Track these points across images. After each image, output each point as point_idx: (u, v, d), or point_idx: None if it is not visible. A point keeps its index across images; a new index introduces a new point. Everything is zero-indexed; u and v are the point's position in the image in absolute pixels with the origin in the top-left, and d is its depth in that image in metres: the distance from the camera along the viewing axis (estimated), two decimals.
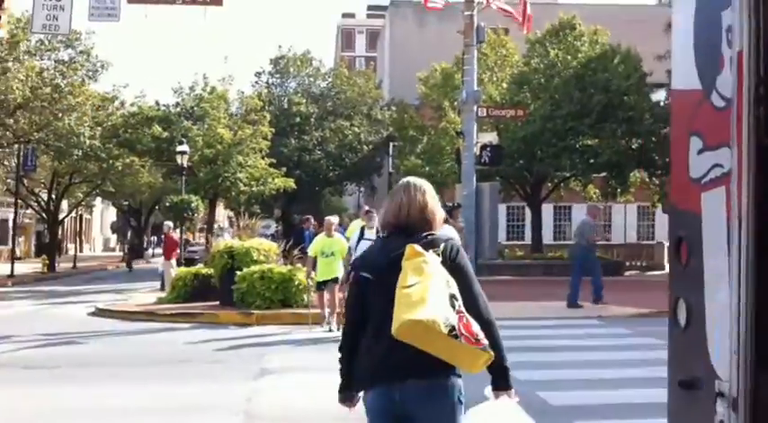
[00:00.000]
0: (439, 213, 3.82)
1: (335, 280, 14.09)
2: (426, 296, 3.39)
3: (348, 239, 14.44)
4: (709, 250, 3.45)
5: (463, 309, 3.47)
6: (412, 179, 3.93)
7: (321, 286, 14.43)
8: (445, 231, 12.05)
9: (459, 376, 3.64)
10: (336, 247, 14.31)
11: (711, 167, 3.40)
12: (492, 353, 3.50)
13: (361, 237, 13.09)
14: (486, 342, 3.46)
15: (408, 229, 3.71)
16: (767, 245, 3.09)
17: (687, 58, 3.53)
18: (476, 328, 3.46)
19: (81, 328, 15.80)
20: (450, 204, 14.95)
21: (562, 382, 9.38)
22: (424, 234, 3.70)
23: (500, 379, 3.70)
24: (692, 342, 3.58)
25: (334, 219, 15.30)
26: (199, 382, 9.81)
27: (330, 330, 13.88)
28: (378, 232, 12.15)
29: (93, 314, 18.31)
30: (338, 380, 3.84)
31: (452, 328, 3.36)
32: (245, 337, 13.82)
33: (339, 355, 3.85)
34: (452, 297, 3.46)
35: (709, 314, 3.42)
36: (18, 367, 11.22)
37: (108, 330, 15.54)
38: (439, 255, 3.60)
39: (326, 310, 14.42)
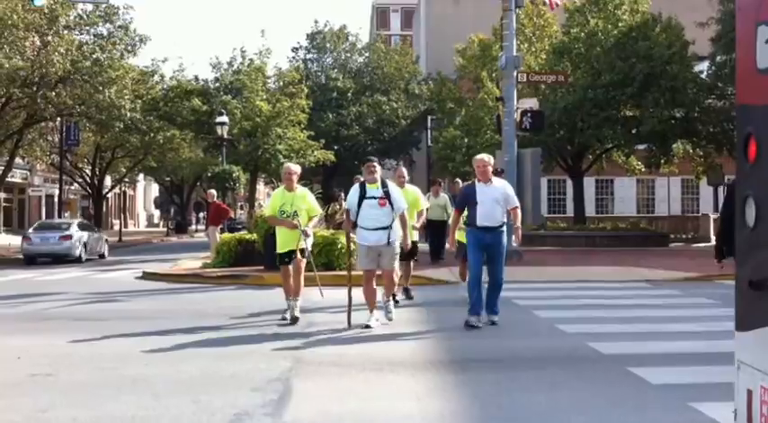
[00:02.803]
0: None
1: (302, 252, 10.68)
2: None
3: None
4: None
5: None
6: None
7: (284, 258, 10.68)
8: (501, 184, 11.24)
9: None
10: (301, 204, 10.60)
11: None
12: None
13: (363, 195, 10.10)
14: None
15: None
16: None
17: None
18: None
19: (128, 288, 16.04)
20: (496, 169, 14.73)
21: (613, 334, 9.30)
22: None
23: None
24: (762, 240, 3.51)
25: (296, 167, 11.02)
26: (246, 331, 9.89)
27: (284, 319, 10.64)
28: (384, 186, 10.06)
29: (140, 278, 18.55)
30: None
31: None
32: None
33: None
34: None
35: None
36: (67, 319, 11.44)
37: (155, 290, 15.77)
38: None
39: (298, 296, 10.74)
